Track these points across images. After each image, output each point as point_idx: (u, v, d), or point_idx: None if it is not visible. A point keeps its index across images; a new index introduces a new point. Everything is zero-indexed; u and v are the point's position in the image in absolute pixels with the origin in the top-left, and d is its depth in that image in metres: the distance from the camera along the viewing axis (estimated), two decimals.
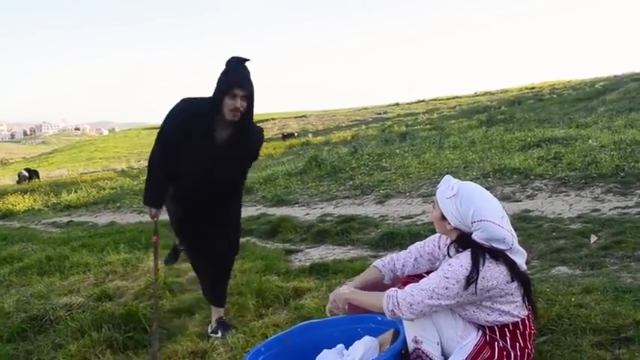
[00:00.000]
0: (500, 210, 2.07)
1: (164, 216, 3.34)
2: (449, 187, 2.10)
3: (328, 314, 2.36)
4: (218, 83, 2.98)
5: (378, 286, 2.49)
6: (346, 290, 2.32)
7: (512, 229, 2.08)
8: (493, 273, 1.99)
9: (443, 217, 2.12)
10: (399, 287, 2.29)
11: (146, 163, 3.45)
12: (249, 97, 2.99)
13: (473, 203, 2.03)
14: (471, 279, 1.97)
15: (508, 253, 2.03)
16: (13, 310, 4.06)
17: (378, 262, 2.48)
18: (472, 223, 2.02)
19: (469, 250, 2.03)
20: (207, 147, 3.07)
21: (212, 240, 3.31)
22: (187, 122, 3.06)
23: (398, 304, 2.05)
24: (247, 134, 3.15)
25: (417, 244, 2.46)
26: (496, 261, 2.01)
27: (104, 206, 13.59)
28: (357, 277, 2.50)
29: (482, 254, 2.00)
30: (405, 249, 2.50)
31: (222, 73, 2.99)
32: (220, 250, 3.37)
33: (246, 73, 2.99)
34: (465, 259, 2.01)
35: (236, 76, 2.96)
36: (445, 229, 2.15)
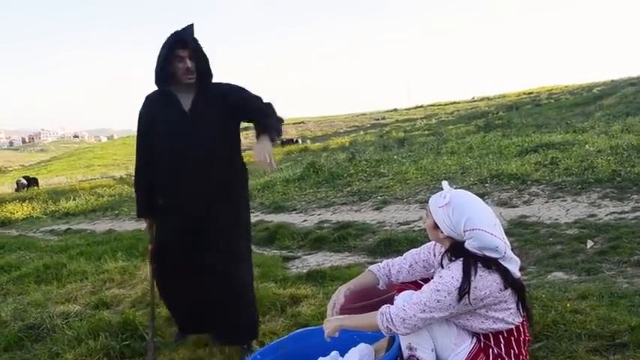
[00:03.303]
0: (492, 218, 2.07)
1: None
2: (441, 196, 2.11)
3: (327, 339, 2.33)
4: (159, 54, 2.85)
5: (373, 290, 2.51)
6: (340, 317, 2.31)
7: (505, 237, 2.07)
8: (485, 282, 1.99)
9: (436, 226, 2.12)
10: (394, 294, 2.31)
11: None
12: (198, 56, 2.87)
13: (465, 212, 2.03)
14: (463, 290, 1.96)
15: (501, 261, 2.03)
16: (10, 318, 4.06)
17: (373, 267, 2.49)
18: (464, 232, 2.02)
19: (461, 260, 2.03)
20: (177, 117, 2.90)
21: (206, 258, 2.93)
22: (152, 103, 2.99)
23: (391, 320, 2.06)
24: (212, 96, 2.93)
25: (413, 250, 2.46)
26: (488, 269, 2.00)
27: (102, 214, 13.59)
28: (352, 280, 2.50)
29: (475, 263, 2.00)
30: (402, 255, 2.51)
31: (161, 47, 2.87)
32: (216, 262, 2.93)
33: (185, 34, 2.86)
34: (456, 270, 2.01)
35: (174, 36, 2.84)
36: (438, 237, 2.15)
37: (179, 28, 2.87)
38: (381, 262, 2.53)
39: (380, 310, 2.12)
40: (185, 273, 3.00)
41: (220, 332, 3.08)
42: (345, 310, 2.40)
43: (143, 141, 3.03)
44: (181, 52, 2.83)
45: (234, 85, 3.03)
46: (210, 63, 2.94)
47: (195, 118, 2.90)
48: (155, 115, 2.97)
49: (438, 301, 1.99)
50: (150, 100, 3.03)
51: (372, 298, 2.57)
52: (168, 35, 2.86)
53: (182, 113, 2.91)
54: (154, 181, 3.02)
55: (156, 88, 2.98)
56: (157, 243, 3.11)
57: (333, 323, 2.26)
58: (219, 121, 2.94)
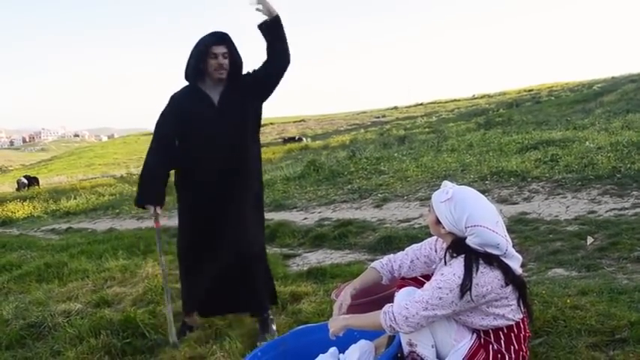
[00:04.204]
0: (494, 215, 2.07)
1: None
2: (444, 192, 2.11)
3: (332, 338, 2.35)
4: (194, 50, 3.06)
5: (377, 286, 2.51)
6: (345, 316, 2.32)
7: (507, 234, 2.08)
8: (487, 279, 2.00)
9: (438, 222, 2.13)
10: (394, 290, 2.32)
11: None
12: (231, 54, 3.07)
13: (466, 208, 2.03)
14: (465, 287, 1.97)
15: (502, 258, 2.04)
16: (12, 317, 4.07)
17: (376, 264, 2.50)
18: (466, 228, 2.03)
19: (462, 257, 2.04)
20: (205, 109, 3.10)
21: (228, 230, 3.16)
22: (180, 98, 3.18)
23: (394, 319, 2.06)
24: (238, 88, 3.15)
25: (414, 246, 2.46)
26: (490, 266, 2.01)
27: (103, 212, 13.59)
28: (357, 279, 2.51)
29: (476, 260, 2.00)
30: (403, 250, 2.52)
31: (195, 45, 3.08)
32: (241, 242, 3.19)
33: (221, 33, 3.07)
34: (457, 267, 2.02)
35: (211, 36, 3.06)
36: (440, 233, 2.16)
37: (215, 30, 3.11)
38: (381, 258, 2.54)
39: (383, 309, 2.13)
40: (210, 255, 3.22)
41: (244, 302, 3.29)
42: (351, 309, 2.40)
43: (166, 135, 3.20)
44: (216, 49, 3.04)
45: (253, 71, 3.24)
46: (242, 63, 3.15)
47: (224, 111, 3.12)
48: (185, 111, 3.13)
49: (440, 299, 2.00)
50: (177, 98, 3.20)
51: (373, 294, 2.58)
52: (204, 35, 3.09)
53: (212, 107, 3.12)
54: (176, 169, 3.24)
55: (176, 87, 3.23)
56: (182, 228, 3.35)
57: (339, 323, 2.27)
58: (244, 110, 3.17)
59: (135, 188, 3.32)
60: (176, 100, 3.21)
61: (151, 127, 3.35)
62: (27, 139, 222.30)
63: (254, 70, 3.21)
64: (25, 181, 25.79)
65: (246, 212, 3.23)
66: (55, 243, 8.55)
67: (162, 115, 3.23)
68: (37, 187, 24.98)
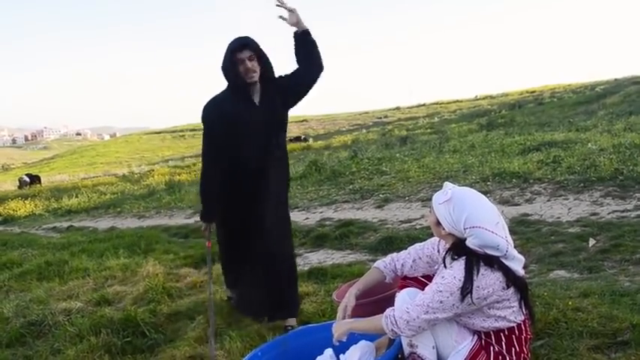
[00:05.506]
0: (494, 216, 2.06)
1: None
2: (443, 193, 2.11)
3: (336, 343, 2.34)
4: (223, 59, 3.11)
5: (380, 285, 2.51)
6: (349, 320, 2.31)
7: (509, 235, 2.06)
8: (488, 281, 1.99)
9: (438, 223, 2.12)
10: (395, 291, 2.31)
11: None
12: (258, 56, 3.11)
13: (465, 209, 2.02)
14: (466, 290, 1.96)
15: (503, 260, 2.03)
16: (12, 315, 4.07)
17: (379, 263, 2.49)
18: (465, 229, 2.02)
19: (463, 259, 2.03)
20: (247, 108, 3.15)
21: (265, 230, 3.24)
22: (221, 101, 3.20)
23: (396, 322, 2.06)
24: (276, 88, 3.21)
25: (417, 245, 2.46)
26: (491, 268, 2.00)
27: (105, 211, 13.61)
28: (360, 280, 2.51)
29: (477, 262, 1.99)
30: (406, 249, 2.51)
31: (224, 54, 3.12)
32: (275, 241, 3.28)
33: (244, 38, 3.11)
34: (458, 269, 2.01)
35: (234, 43, 3.10)
36: (441, 234, 2.15)
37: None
38: (383, 258, 2.53)
39: (384, 313, 2.12)
40: (247, 256, 3.31)
41: (278, 309, 3.32)
42: (355, 311, 2.39)
43: (213, 140, 3.21)
44: (240, 55, 3.07)
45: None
46: (270, 62, 3.18)
47: (263, 109, 3.18)
48: (229, 113, 3.15)
49: (441, 302, 1.99)
50: (217, 100, 3.22)
51: (377, 293, 2.57)
52: (231, 40, 3.13)
53: (252, 104, 3.18)
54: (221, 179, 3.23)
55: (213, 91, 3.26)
56: (223, 232, 3.42)
57: (342, 327, 2.27)
58: (283, 110, 3.29)
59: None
60: (218, 104, 3.22)
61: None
62: (29, 138, 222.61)
63: (287, 76, 3.26)
64: (27, 179, 25.83)
65: (284, 210, 3.39)
66: (56, 241, 8.55)
67: (210, 121, 3.22)
68: (38, 185, 25.02)
